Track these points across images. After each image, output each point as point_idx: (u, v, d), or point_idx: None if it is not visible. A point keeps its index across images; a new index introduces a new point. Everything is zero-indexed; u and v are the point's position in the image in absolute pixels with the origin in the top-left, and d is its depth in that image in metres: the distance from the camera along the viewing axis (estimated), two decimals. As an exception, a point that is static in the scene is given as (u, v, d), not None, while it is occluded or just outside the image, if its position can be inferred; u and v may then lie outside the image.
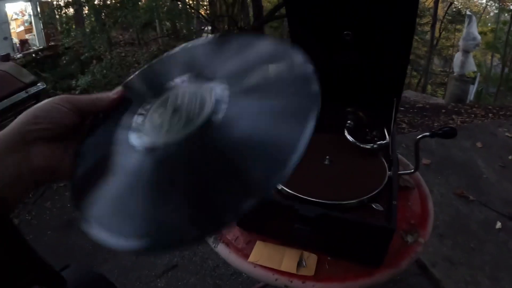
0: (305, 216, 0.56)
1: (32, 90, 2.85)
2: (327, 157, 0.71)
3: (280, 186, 0.61)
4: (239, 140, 0.24)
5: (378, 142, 0.73)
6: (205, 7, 5.86)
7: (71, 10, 5.52)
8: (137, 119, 0.29)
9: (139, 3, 4.66)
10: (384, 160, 0.71)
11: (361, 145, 0.73)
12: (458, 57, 4.52)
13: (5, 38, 6.03)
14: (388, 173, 0.66)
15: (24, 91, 2.77)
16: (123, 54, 5.14)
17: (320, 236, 0.59)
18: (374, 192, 0.60)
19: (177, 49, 0.34)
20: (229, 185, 0.22)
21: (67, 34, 5.04)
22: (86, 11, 5.24)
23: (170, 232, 0.22)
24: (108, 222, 0.24)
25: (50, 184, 2.00)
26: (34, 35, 6.71)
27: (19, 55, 5.55)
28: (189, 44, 0.34)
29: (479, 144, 2.38)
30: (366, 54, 0.79)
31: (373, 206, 0.59)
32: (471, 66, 4.50)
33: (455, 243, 1.47)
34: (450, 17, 10.38)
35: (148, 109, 0.30)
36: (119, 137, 0.29)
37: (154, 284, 1.37)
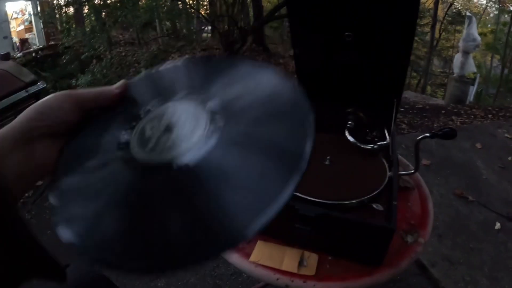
0: (306, 216, 0.56)
1: (32, 89, 2.85)
2: (328, 157, 0.71)
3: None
4: (216, 183, 0.22)
5: (379, 143, 0.74)
6: (205, 7, 5.86)
7: (71, 10, 5.52)
8: (131, 123, 0.29)
9: (139, 2, 4.66)
10: (384, 161, 0.71)
11: (362, 146, 0.73)
12: (458, 58, 4.53)
13: (5, 37, 6.03)
14: (389, 173, 0.67)
15: (24, 90, 2.77)
16: (123, 54, 5.14)
17: (321, 236, 0.59)
18: (375, 193, 0.60)
19: (184, 59, 0.34)
20: (192, 232, 0.21)
21: (67, 33, 5.04)
22: (86, 11, 5.25)
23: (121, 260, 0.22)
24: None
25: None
26: (34, 34, 6.71)
27: (19, 54, 5.55)
28: (196, 57, 0.34)
29: (478, 145, 2.39)
30: (367, 55, 0.79)
31: (374, 206, 0.59)
32: (471, 67, 4.51)
33: (454, 243, 1.48)
34: (450, 18, 10.40)
35: (145, 114, 0.29)
36: (109, 139, 0.28)
37: (154, 283, 1.37)
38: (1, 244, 0.23)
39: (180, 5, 5.33)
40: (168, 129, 0.27)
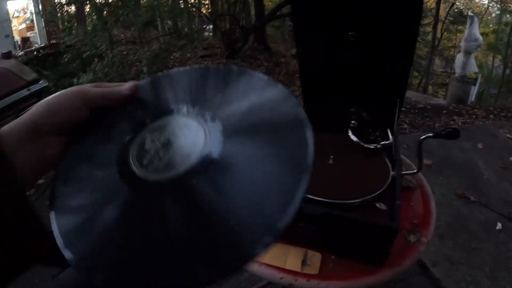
0: (310, 215, 0.56)
1: (34, 87, 2.85)
2: (331, 156, 0.72)
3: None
4: (210, 213, 0.22)
5: (382, 142, 0.74)
6: (206, 6, 5.86)
7: (72, 8, 5.53)
8: (133, 130, 0.28)
9: (141, 1, 4.67)
10: (387, 160, 0.72)
11: (365, 145, 0.74)
12: (459, 58, 4.52)
13: (7, 36, 6.03)
14: (392, 173, 0.67)
15: (26, 89, 2.77)
16: (124, 53, 5.14)
17: (324, 235, 0.59)
18: (378, 192, 0.61)
19: (188, 68, 0.33)
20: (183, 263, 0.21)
21: (68, 32, 5.05)
22: (88, 9, 5.25)
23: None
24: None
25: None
26: (36, 33, 6.71)
27: (20, 53, 5.55)
28: (200, 67, 0.32)
29: (480, 145, 2.39)
30: (370, 54, 0.79)
31: (377, 205, 0.60)
32: (473, 67, 4.50)
33: (455, 243, 1.48)
34: (452, 18, 10.38)
35: (149, 122, 0.28)
36: (110, 147, 0.28)
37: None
38: (12, 231, 0.24)
39: (182, 4, 5.34)
40: (168, 144, 0.26)
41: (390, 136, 0.76)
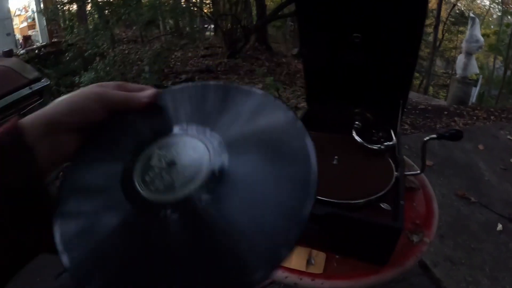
0: (314, 215, 0.57)
1: (36, 86, 2.84)
2: (336, 156, 0.72)
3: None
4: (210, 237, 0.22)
5: (385, 143, 0.74)
6: (208, 5, 5.87)
7: (74, 7, 5.52)
8: (143, 142, 0.28)
9: (142, 0, 4.67)
10: (391, 161, 0.72)
11: (369, 146, 0.74)
12: (460, 59, 4.52)
13: (8, 34, 6.03)
14: (395, 173, 0.67)
15: (28, 87, 2.76)
16: (126, 52, 5.14)
17: (329, 234, 0.60)
18: (382, 192, 0.61)
19: (205, 83, 0.32)
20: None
21: (70, 30, 5.04)
22: (89, 8, 5.25)
23: None
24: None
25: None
26: (37, 31, 6.71)
27: (22, 51, 5.55)
28: (217, 84, 0.31)
29: (481, 146, 2.40)
30: (374, 55, 0.80)
31: (381, 205, 0.60)
32: (474, 68, 4.51)
33: (456, 244, 1.49)
34: (453, 19, 10.38)
35: (160, 137, 0.28)
36: (118, 157, 0.28)
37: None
38: (30, 219, 0.25)
39: (183, 4, 5.34)
40: (172, 165, 0.26)
41: (394, 137, 0.76)
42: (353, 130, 0.78)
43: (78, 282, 0.23)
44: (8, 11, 6.33)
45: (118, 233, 0.24)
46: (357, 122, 0.80)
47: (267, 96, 0.29)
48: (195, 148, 0.26)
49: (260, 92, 0.29)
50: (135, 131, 0.29)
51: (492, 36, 9.44)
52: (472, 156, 2.27)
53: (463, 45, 4.50)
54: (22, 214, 0.24)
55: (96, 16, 4.92)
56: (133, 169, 0.26)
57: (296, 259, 0.60)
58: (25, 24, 6.83)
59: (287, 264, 0.59)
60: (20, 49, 5.88)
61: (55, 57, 5.22)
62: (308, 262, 0.59)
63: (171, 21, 6.12)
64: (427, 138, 0.69)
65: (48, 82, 3.08)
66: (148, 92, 0.30)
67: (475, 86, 4.98)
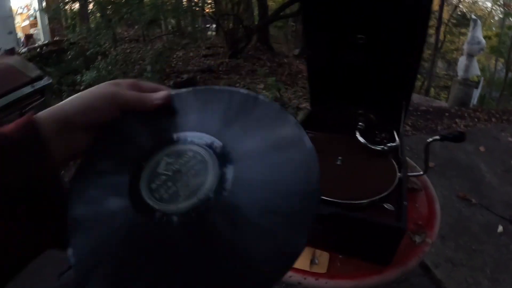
0: (318, 215, 0.57)
1: (38, 84, 2.84)
2: (339, 157, 0.73)
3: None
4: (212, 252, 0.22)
5: (389, 144, 0.75)
6: (210, 5, 5.87)
7: (76, 6, 5.53)
8: (153, 147, 0.28)
9: (144, 0, 4.67)
10: (394, 162, 0.73)
11: (372, 147, 0.75)
12: (462, 61, 4.53)
13: (10, 33, 6.03)
14: (398, 174, 0.68)
15: (30, 86, 2.76)
16: (128, 51, 5.14)
17: (332, 234, 0.61)
18: (386, 193, 0.62)
19: (209, 88, 0.32)
20: None
21: (72, 29, 5.05)
22: (91, 7, 5.26)
23: None
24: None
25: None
26: (39, 29, 6.72)
27: (24, 50, 5.55)
28: (232, 91, 0.31)
29: (482, 148, 2.40)
30: (378, 57, 0.80)
31: (385, 206, 0.61)
32: (475, 70, 4.51)
33: (457, 245, 1.49)
34: (455, 21, 10.37)
35: (169, 143, 0.28)
36: (125, 163, 0.28)
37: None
38: (43, 212, 0.25)
39: (185, 3, 5.34)
40: (178, 175, 0.26)
41: (397, 138, 0.77)
42: (356, 130, 0.79)
43: (81, 277, 0.23)
44: (10, 9, 6.33)
45: (119, 235, 0.24)
46: (360, 123, 0.81)
47: (275, 106, 0.29)
48: (202, 159, 0.26)
49: (268, 101, 0.29)
50: (145, 134, 0.29)
51: (494, 38, 9.43)
52: (473, 158, 2.28)
53: (465, 46, 4.50)
54: (36, 207, 0.25)
55: (98, 15, 4.93)
56: (141, 174, 0.26)
57: (300, 259, 0.60)
58: (27, 22, 6.84)
59: (291, 263, 0.60)
60: (22, 47, 5.88)
61: (57, 56, 5.22)
62: (312, 262, 0.60)
63: (173, 21, 6.12)
64: (431, 139, 0.70)
65: (50, 81, 3.07)
66: (161, 94, 0.30)
67: (476, 88, 4.97)
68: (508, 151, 2.41)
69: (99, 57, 4.53)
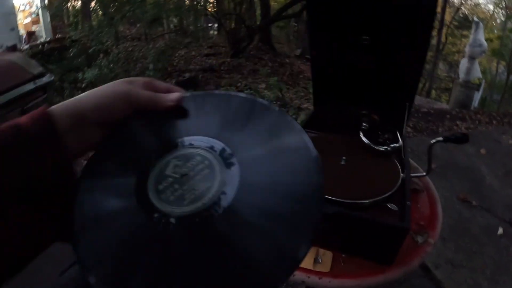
0: (322, 217, 0.58)
1: (40, 81, 2.84)
2: (343, 157, 0.73)
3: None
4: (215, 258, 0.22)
5: (392, 145, 0.75)
6: (212, 4, 5.87)
7: (79, 3, 5.54)
8: (163, 148, 0.28)
9: (147, -2, 4.67)
10: (397, 163, 0.73)
11: (376, 147, 0.75)
12: (463, 63, 4.53)
13: (12, 29, 6.03)
14: (401, 175, 0.68)
15: (32, 82, 2.76)
16: (130, 49, 5.15)
17: (336, 233, 0.61)
18: (389, 193, 0.62)
19: (222, 93, 0.32)
20: None
21: (74, 27, 5.05)
22: (93, 5, 5.26)
23: None
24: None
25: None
26: (41, 26, 6.72)
27: (26, 47, 5.56)
28: (247, 98, 0.31)
29: (483, 151, 2.40)
30: (382, 58, 0.81)
31: (388, 206, 0.61)
32: (477, 73, 4.51)
33: (457, 247, 1.50)
34: (457, 23, 10.38)
35: (179, 147, 0.28)
36: (133, 165, 0.28)
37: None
38: (54, 205, 0.25)
39: (187, 2, 5.35)
40: (185, 178, 0.26)
41: (400, 139, 0.77)
42: (360, 131, 0.79)
43: (85, 271, 0.24)
44: (12, 6, 6.33)
45: (121, 234, 0.25)
46: (364, 124, 0.81)
47: (284, 115, 0.29)
48: (209, 164, 0.26)
49: (277, 109, 0.29)
50: (155, 135, 0.30)
51: (496, 41, 9.43)
52: (474, 160, 2.28)
53: (467, 49, 4.51)
54: (49, 198, 0.25)
55: (100, 12, 4.94)
56: (149, 175, 0.27)
57: (303, 257, 0.60)
58: (29, 19, 6.84)
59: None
60: (24, 44, 5.89)
61: (59, 53, 5.23)
62: (315, 261, 0.60)
63: (175, 20, 6.12)
64: (434, 140, 0.70)
65: (52, 78, 3.07)
66: (174, 95, 0.31)
67: (478, 90, 4.97)
68: (509, 153, 2.42)
69: (101, 55, 4.54)
